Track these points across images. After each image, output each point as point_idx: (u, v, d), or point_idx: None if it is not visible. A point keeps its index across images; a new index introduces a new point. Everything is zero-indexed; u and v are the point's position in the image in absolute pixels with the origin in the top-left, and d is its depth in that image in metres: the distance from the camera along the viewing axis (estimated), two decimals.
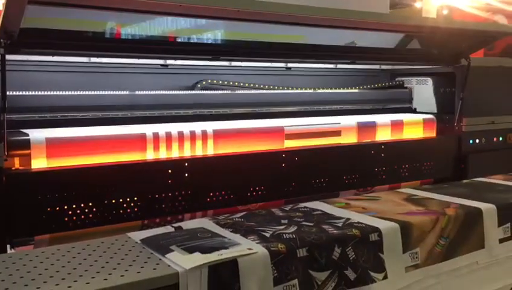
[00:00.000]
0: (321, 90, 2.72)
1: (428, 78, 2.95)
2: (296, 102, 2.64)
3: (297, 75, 2.80)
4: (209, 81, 2.45)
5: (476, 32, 2.61)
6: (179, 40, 2.21)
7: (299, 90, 2.66)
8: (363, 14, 2.20)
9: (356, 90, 2.87)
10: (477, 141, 2.76)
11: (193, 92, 2.41)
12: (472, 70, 2.66)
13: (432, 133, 2.75)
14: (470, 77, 2.66)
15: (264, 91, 2.60)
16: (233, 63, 2.54)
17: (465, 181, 2.34)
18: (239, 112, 2.46)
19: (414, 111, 3.01)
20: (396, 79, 3.10)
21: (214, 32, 2.26)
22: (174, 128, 1.99)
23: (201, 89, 2.43)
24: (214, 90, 2.45)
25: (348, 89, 2.85)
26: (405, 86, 3.08)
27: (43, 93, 2.02)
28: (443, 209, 1.76)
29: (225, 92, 2.49)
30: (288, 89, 2.65)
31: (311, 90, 2.69)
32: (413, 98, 3.03)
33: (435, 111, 2.89)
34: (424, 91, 2.98)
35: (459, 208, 1.78)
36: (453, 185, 2.18)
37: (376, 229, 1.55)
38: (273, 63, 2.67)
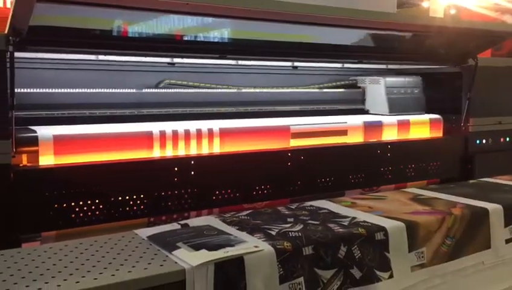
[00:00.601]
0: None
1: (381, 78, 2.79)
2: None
3: (303, 74, 2.80)
4: (168, 81, 2.35)
5: (484, 32, 2.60)
6: (185, 38, 2.22)
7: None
8: (370, 14, 2.19)
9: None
10: (484, 141, 2.74)
11: (200, 90, 2.42)
12: (479, 70, 2.65)
13: (439, 133, 2.74)
14: (477, 77, 2.65)
15: (270, 90, 2.60)
16: (240, 62, 2.55)
17: (471, 181, 2.33)
18: (244, 110, 2.47)
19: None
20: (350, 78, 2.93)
21: (221, 31, 2.27)
22: (180, 126, 2.00)
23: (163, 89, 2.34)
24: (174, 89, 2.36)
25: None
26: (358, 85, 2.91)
27: (50, 90, 2.03)
28: (449, 209, 1.76)
29: (231, 90, 2.49)
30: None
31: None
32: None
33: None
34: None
35: (465, 208, 1.77)
36: (459, 185, 2.17)
37: (382, 228, 1.55)
38: (279, 62, 2.67)
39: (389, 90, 2.74)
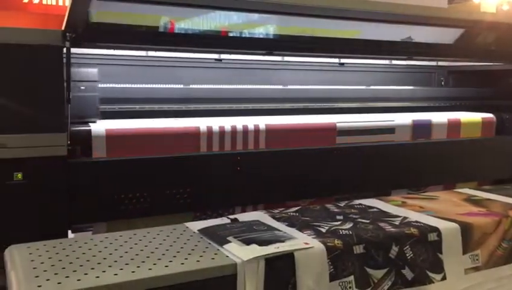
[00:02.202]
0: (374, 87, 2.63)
1: None
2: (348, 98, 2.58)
3: (351, 71, 2.75)
4: None
5: None
6: (231, 34, 2.22)
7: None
8: (420, 9, 2.14)
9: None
10: None
11: (248, 86, 2.41)
12: None
13: (491, 133, 2.64)
14: None
15: (319, 87, 2.58)
16: (286, 58, 2.54)
17: None
18: (290, 107, 2.45)
19: None
20: None
21: (266, 27, 2.26)
22: (227, 122, 2.01)
23: None
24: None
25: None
26: None
27: (102, 85, 2.08)
28: (506, 211, 1.69)
29: (277, 87, 2.49)
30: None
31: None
32: None
33: None
34: None
35: None
36: None
37: (435, 229, 1.51)
38: (326, 59, 2.64)
39: None
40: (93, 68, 1.94)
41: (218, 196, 1.93)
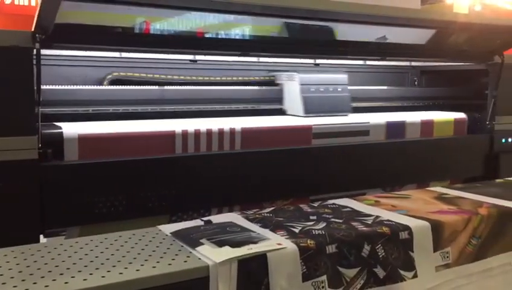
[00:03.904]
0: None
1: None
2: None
3: (326, 71, 2.77)
4: (117, 74, 2.21)
5: (510, 28, 2.54)
6: (207, 35, 2.22)
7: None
8: (394, 10, 2.17)
9: None
10: (509, 139, 2.69)
11: (223, 87, 2.41)
12: (505, 67, 2.60)
13: (463, 132, 2.69)
14: (504, 75, 2.60)
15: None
16: (261, 59, 2.55)
17: (498, 181, 2.29)
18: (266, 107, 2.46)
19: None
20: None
21: (242, 28, 2.26)
22: (202, 124, 2.00)
23: (110, 83, 2.20)
24: (124, 84, 2.19)
25: None
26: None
27: (75, 87, 2.06)
28: (475, 208, 1.73)
29: (253, 88, 2.49)
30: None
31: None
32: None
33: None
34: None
35: (492, 208, 1.74)
36: (485, 185, 2.13)
37: (406, 228, 1.53)
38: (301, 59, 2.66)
39: (304, 88, 2.36)
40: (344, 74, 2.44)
41: (193, 198, 1.93)
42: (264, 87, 2.51)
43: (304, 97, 2.35)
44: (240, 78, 2.51)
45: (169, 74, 2.35)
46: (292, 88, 2.41)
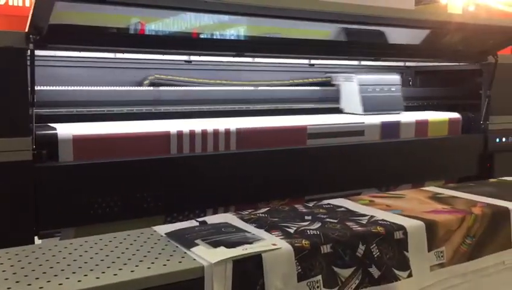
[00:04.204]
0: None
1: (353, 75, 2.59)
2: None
3: (321, 71, 2.78)
4: (156, 76, 2.29)
5: (503, 28, 2.56)
6: (202, 36, 2.22)
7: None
8: (388, 10, 2.18)
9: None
10: (503, 139, 2.70)
11: (218, 88, 2.42)
12: (499, 67, 2.61)
13: (457, 132, 2.70)
14: (497, 75, 2.61)
15: (289, 88, 2.60)
16: (257, 60, 2.55)
17: (491, 180, 2.30)
18: (261, 108, 2.46)
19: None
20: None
21: (237, 28, 2.26)
22: (197, 125, 2.00)
23: (149, 85, 2.28)
24: (163, 85, 2.27)
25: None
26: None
27: (70, 88, 2.05)
28: (469, 208, 1.73)
29: (248, 88, 2.49)
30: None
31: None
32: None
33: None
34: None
35: (486, 207, 1.75)
36: (479, 184, 2.14)
37: (401, 227, 1.53)
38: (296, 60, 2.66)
39: (363, 88, 2.54)
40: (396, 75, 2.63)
41: (188, 199, 1.93)
42: (321, 88, 2.68)
43: (362, 97, 2.53)
44: (298, 80, 2.68)
45: (215, 76, 2.45)
46: (350, 88, 2.58)
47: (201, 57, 2.40)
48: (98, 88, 2.10)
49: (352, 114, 2.55)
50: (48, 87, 1.99)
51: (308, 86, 2.68)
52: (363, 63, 2.87)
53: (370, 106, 2.54)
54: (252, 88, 2.51)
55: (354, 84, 2.57)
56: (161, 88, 2.26)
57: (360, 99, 2.53)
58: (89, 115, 2.03)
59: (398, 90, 2.66)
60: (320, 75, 2.77)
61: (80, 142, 1.76)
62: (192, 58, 2.40)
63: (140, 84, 2.28)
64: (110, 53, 2.20)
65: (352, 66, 2.87)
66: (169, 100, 2.23)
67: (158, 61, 2.34)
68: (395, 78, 2.69)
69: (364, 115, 2.49)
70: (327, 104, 2.64)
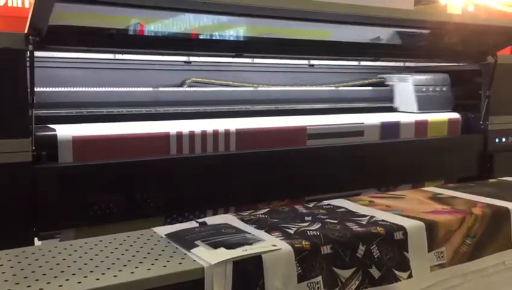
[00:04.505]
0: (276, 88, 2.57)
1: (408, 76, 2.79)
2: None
3: (321, 72, 2.78)
4: (194, 79, 2.38)
5: (503, 28, 2.56)
6: (201, 37, 2.22)
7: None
8: (387, 11, 2.18)
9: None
10: (503, 139, 2.70)
11: (218, 88, 2.42)
12: (499, 67, 2.61)
13: (457, 132, 2.70)
14: (497, 75, 2.61)
15: (289, 88, 2.59)
16: (256, 60, 2.55)
17: (491, 180, 2.30)
18: (261, 108, 2.46)
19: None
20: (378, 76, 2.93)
21: (236, 29, 2.26)
22: (197, 126, 2.00)
23: (188, 87, 2.36)
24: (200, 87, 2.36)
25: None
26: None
27: (69, 89, 2.05)
28: (469, 208, 1.73)
29: (247, 89, 2.49)
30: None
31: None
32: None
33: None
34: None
35: (486, 208, 1.74)
36: (479, 184, 2.14)
37: (401, 228, 1.53)
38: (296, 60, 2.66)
39: (417, 88, 2.73)
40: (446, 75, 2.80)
41: (189, 200, 1.93)
42: (376, 88, 2.84)
43: (417, 96, 2.70)
44: (354, 82, 2.83)
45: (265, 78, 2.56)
46: (405, 88, 2.76)
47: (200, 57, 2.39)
48: (97, 89, 2.11)
49: (407, 112, 2.71)
50: (48, 89, 1.99)
51: (363, 86, 2.83)
52: (362, 63, 2.87)
53: (424, 104, 2.70)
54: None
55: (409, 84, 2.74)
56: (160, 89, 2.26)
57: (416, 99, 2.69)
58: (89, 116, 2.03)
59: (449, 90, 2.82)
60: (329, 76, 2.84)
61: (79, 143, 1.76)
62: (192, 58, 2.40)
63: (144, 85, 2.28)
64: (110, 54, 2.19)
65: (353, 66, 2.87)
66: (169, 101, 2.23)
67: (160, 62, 2.34)
68: (446, 78, 2.82)
69: (419, 113, 2.67)
70: (382, 104, 2.80)
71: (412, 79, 2.75)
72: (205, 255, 1.26)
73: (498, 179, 2.31)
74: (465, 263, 1.63)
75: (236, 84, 2.48)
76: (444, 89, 2.80)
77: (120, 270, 1.17)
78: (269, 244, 1.34)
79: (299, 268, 1.33)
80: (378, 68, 2.95)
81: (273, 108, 2.50)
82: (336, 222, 1.58)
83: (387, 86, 2.88)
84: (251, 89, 2.49)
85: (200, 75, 2.42)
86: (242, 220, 1.57)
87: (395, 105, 2.84)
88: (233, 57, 2.34)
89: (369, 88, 2.84)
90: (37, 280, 1.11)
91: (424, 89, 2.74)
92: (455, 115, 2.72)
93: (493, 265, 1.70)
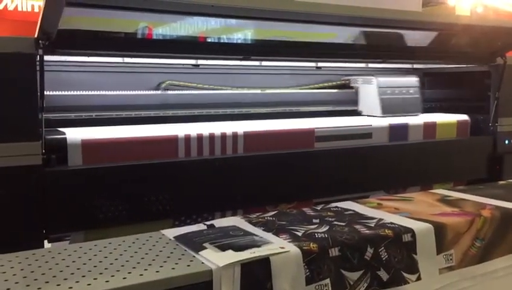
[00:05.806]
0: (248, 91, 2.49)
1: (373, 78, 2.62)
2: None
3: (328, 74, 2.78)
4: (169, 82, 2.32)
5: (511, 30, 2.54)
6: (209, 40, 2.23)
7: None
8: (395, 13, 2.17)
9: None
10: None
11: (223, 91, 2.43)
12: (508, 69, 2.59)
13: (466, 134, 2.69)
14: (506, 76, 2.60)
15: (296, 90, 2.60)
16: (264, 63, 2.55)
17: (501, 182, 2.28)
18: (268, 111, 2.47)
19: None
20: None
21: (244, 32, 2.27)
22: (205, 129, 2.01)
23: (164, 90, 2.30)
24: (176, 90, 2.30)
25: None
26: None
27: (78, 93, 2.07)
28: (478, 210, 1.72)
29: (253, 91, 2.49)
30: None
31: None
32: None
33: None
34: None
35: (495, 210, 1.73)
36: (488, 187, 2.13)
37: (409, 230, 1.53)
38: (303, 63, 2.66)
39: (382, 91, 2.58)
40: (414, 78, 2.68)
41: (197, 202, 1.93)
42: (340, 90, 2.71)
43: (381, 99, 2.55)
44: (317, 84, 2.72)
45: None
46: (369, 91, 2.61)
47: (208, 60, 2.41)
48: (106, 92, 2.12)
49: (370, 116, 2.58)
50: (57, 92, 2.01)
51: (327, 88, 2.72)
52: (370, 65, 2.87)
53: (389, 108, 2.57)
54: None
55: (373, 86, 2.60)
56: (169, 92, 2.27)
57: (379, 102, 2.56)
58: (98, 119, 2.05)
59: (417, 93, 2.70)
60: (331, 78, 2.78)
61: (88, 146, 1.77)
62: (200, 62, 2.41)
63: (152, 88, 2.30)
64: (118, 58, 2.21)
65: (358, 68, 2.86)
66: (178, 104, 2.24)
67: (166, 65, 2.35)
68: (413, 80, 2.72)
69: (382, 117, 2.53)
70: (345, 107, 2.68)
71: (376, 81, 2.60)
72: (213, 258, 1.26)
73: (507, 181, 2.30)
74: (474, 266, 1.62)
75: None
76: (411, 91, 2.66)
77: (129, 273, 1.18)
78: (277, 247, 1.34)
79: (307, 270, 1.33)
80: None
81: (281, 110, 2.49)
82: (344, 224, 1.58)
83: (351, 88, 2.74)
84: (258, 91, 2.49)
85: (207, 78, 2.43)
86: (250, 222, 1.58)
87: (359, 108, 2.69)
88: (241, 60, 2.35)
89: (332, 91, 2.71)
90: (47, 282, 1.13)
91: (389, 92, 2.59)
92: (464, 117, 2.70)
93: (503, 268, 1.68)
